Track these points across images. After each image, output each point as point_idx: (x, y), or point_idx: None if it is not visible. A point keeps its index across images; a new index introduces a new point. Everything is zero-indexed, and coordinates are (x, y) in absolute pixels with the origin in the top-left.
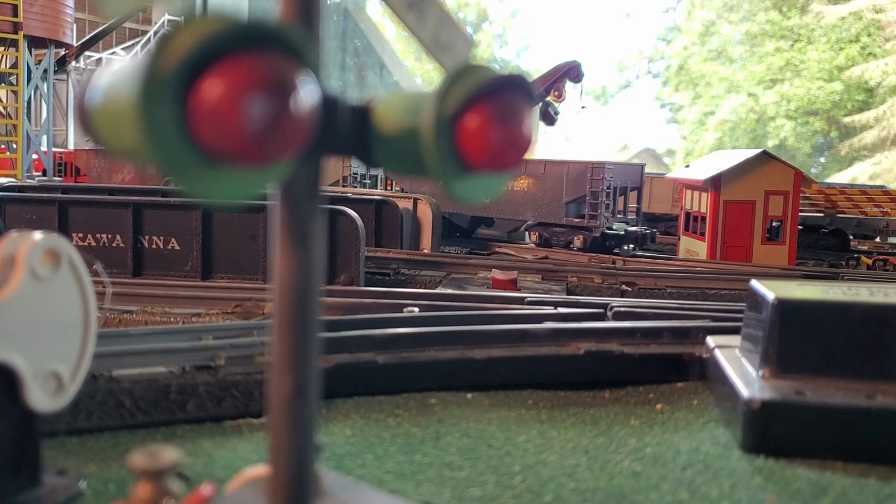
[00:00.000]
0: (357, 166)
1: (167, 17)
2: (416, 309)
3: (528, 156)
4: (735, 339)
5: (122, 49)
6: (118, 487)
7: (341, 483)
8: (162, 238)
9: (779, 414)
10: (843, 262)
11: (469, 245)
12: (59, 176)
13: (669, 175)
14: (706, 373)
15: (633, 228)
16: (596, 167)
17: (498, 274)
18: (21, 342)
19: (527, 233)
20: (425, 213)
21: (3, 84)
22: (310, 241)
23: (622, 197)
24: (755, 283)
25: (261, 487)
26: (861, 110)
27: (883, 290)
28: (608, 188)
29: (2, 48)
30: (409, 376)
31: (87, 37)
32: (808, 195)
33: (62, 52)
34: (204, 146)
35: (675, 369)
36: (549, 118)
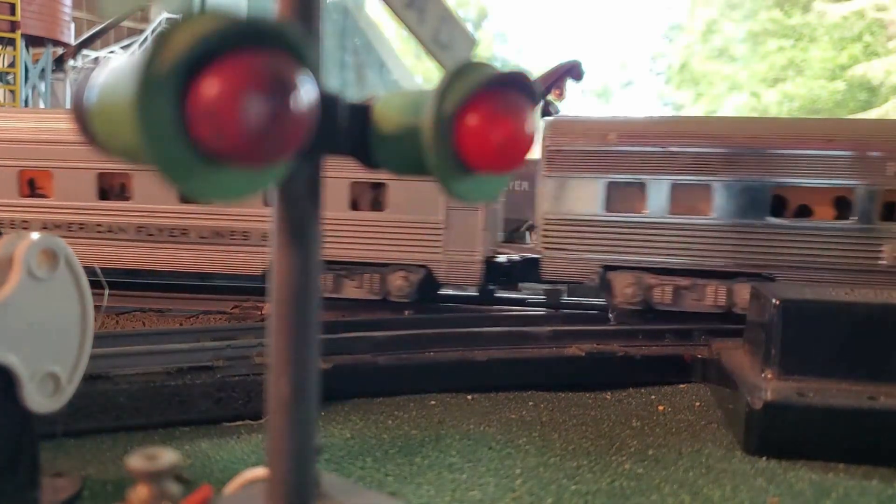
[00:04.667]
0: None
1: (165, 15)
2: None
3: (530, 155)
4: (738, 341)
5: (121, 48)
6: (116, 489)
7: (341, 485)
8: None
9: (781, 415)
10: None
11: None
12: None
13: None
14: (708, 374)
15: None
16: None
17: None
18: (18, 343)
19: (527, 233)
20: None
21: (0, 83)
22: (309, 241)
23: None
24: (758, 285)
25: (259, 490)
26: (864, 109)
27: (886, 290)
28: None
29: None
30: (409, 378)
31: (85, 35)
32: None
33: (60, 51)
34: (202, 146)
35: (677, 371)
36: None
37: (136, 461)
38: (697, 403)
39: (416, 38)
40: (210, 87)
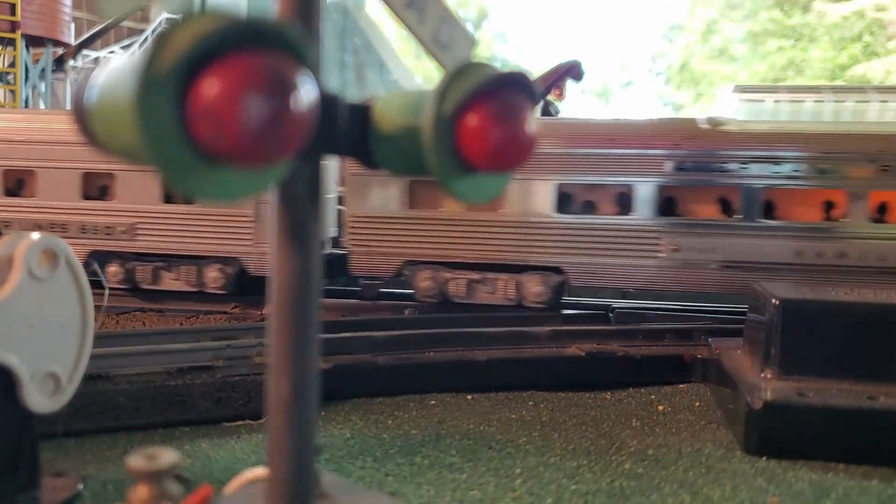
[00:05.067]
0: None
1: (165, 15)
2: None
3: (530, 155)
4: (738, 341)
5: (121, 48)
6: (116, 489)
7: (341, 485)
8: None
9: (781, 415)
10: None
11: None
12: None
13: None
14: (708, 374)
15: None
16: None
17: None
18: (18, 343)
19: None
20: None
21: (0, 83)
22: (309, 240)
23: None
24: (758, 285)
25: (259, 490)
26: None
27: (885, 290)
28: None
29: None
30: (409, 378)
31: (85, 35)
32: None
33: (60, 50)
34: (202, 146)
35: (677, 371)
36: (549, 117)
37: (136, 461)
38: (697, 403)
39: (416, 38)
40: (210, 87)
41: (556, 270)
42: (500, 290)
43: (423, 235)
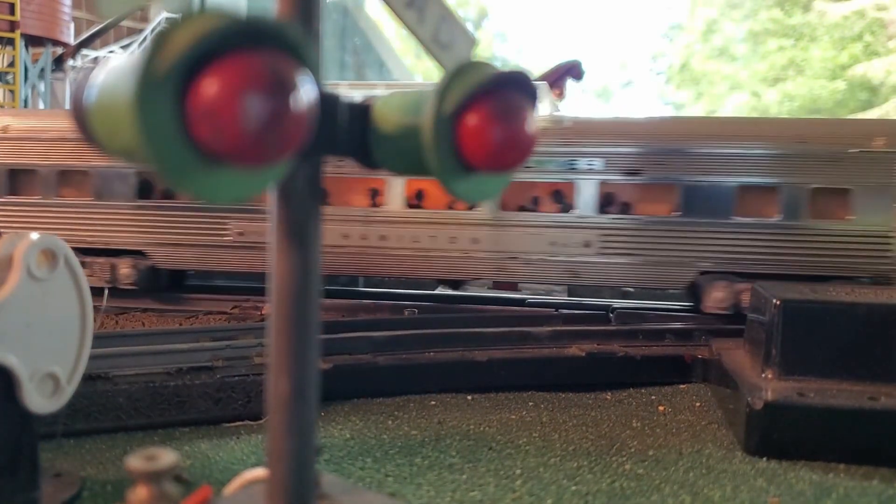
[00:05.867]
0: None
1: (165, 14)
2: None
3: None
4: (738, 341)
5: (120, 47)
6: (115, 490)
7: (341, 486)
8: None
9: (782, 416)
10: None
11: None
12: None
13: None
14: (709, 374)
15: None
16: None
17: None
18: (17, 343)
19: None
20: None
21: (0, 83)
22: (309, 241)
23: None
24: (758, 285)
25: (259, 491)
26: (864, 109)
27: (886, 291)
28: None
29: None
30: (409, 378)
31: (85, 35)
32: None
33: (60, 50)
34: (202, 146)
35: (678, 371)
36: None
37: (135, 462)
38: (698, 404)
39: (416, 38)
40: (210, 87)
41: (142, 254)
42: (96, 272)
43: (19, 220)
